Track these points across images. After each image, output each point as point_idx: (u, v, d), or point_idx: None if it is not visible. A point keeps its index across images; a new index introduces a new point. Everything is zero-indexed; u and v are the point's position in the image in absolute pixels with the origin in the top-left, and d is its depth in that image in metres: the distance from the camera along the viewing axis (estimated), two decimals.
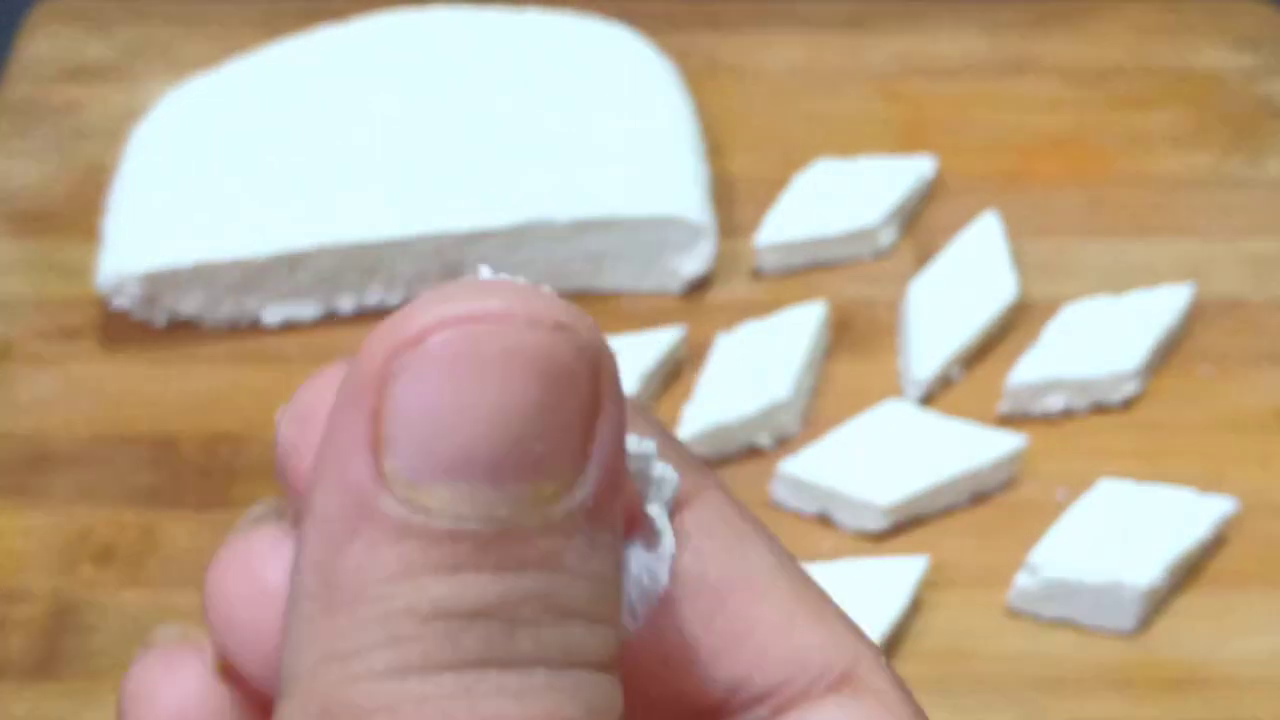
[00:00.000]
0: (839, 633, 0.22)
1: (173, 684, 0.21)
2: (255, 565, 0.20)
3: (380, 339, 0.18)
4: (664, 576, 0.21)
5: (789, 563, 0.23)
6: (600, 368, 0.19)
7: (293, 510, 0.20)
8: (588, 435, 0.19)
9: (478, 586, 0.18)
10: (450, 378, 0.18)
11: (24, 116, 0.82)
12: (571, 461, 0.19)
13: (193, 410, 0.69)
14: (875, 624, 0.60)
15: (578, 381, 0.18)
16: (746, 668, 0.22)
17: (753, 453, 0.67)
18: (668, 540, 0.21)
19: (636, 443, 0.21)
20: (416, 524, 0.18)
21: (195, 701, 0.21)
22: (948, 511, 0.65)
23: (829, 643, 0.22)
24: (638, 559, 0.21)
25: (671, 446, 0.22)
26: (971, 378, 0.71)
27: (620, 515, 0.20)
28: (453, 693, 0.18)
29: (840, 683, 0.22)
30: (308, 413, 0.20)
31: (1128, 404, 0.70)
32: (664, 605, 0.21)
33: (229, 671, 0.21)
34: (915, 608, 0.62)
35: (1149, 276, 0.75)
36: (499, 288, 0.19)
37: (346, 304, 0.73)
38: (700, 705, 0.22)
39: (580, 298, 0.75)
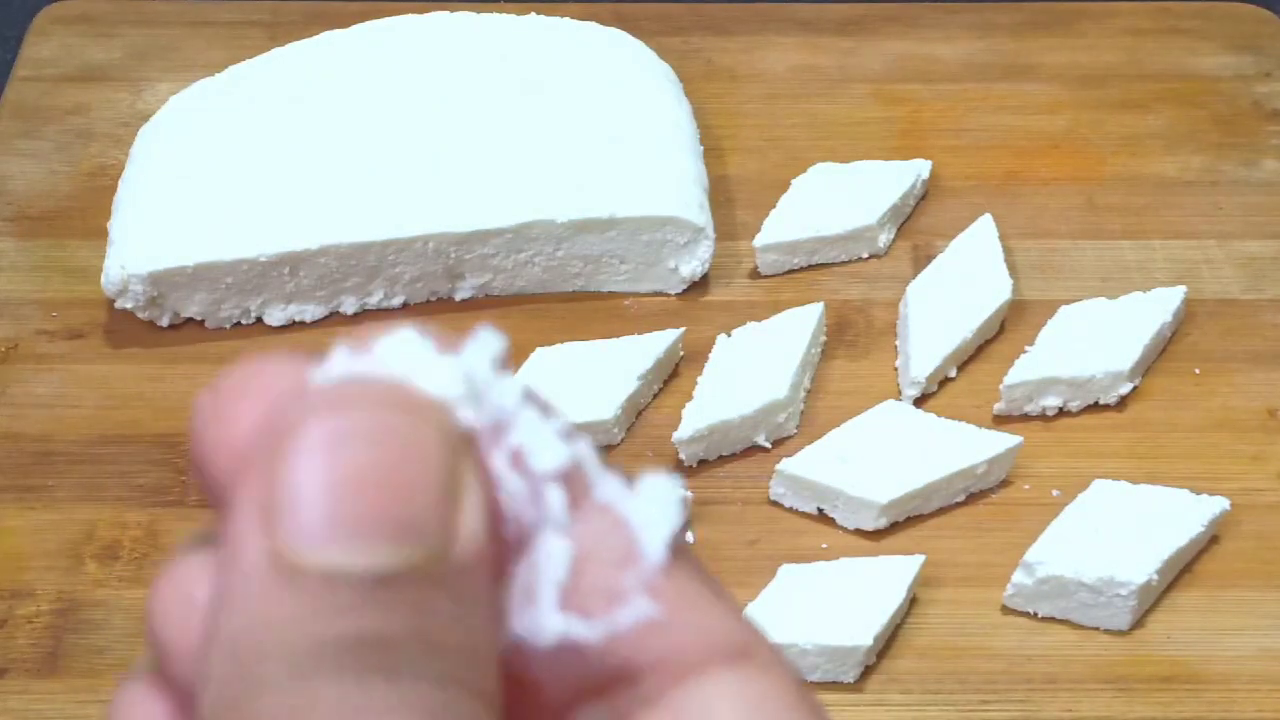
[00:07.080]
0: (735, 615, 0.24)
1: (146, 711, 0.24)
2: (188, 587, 0.23)
3: (267, 433, 0.22)
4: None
5: (691, 557, 0.24)
6: (457, 450, 0.22)
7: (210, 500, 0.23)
8: (453, 507, 0.22)
9: (357, 620, 0.21)
10: (322, 458, 0.21)
11: (30, 119, 0.83)
12: (436, 527, 0.21)
13: None
14: (872, 621, 0.60)
15: (434, 459, 0.22)
16: (645, 637, 0.23)
17: (751, 451, 0.68)
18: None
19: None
20: (301, 581, 0.21)
21: None
22: (944, 510, 0.66)
23: (728, 620, 0.24)
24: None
25: None
26: (967, 378, 0.71)
27: (492, 577, 0.22)
28: (341, 694, 0.21)
29: (736, 657, 0.23)
30: (226, 401, 0.23)
31: (1121, 404, 0.70)
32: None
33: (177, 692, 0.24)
34: (911, 605, 0.63)
35: (1142, 278, 0.75)
36: (366, 380, 0.22)
37: (349, 304, 0.74)
38: (597, 671, 0.23)
39: (580, 298, 0.75)
